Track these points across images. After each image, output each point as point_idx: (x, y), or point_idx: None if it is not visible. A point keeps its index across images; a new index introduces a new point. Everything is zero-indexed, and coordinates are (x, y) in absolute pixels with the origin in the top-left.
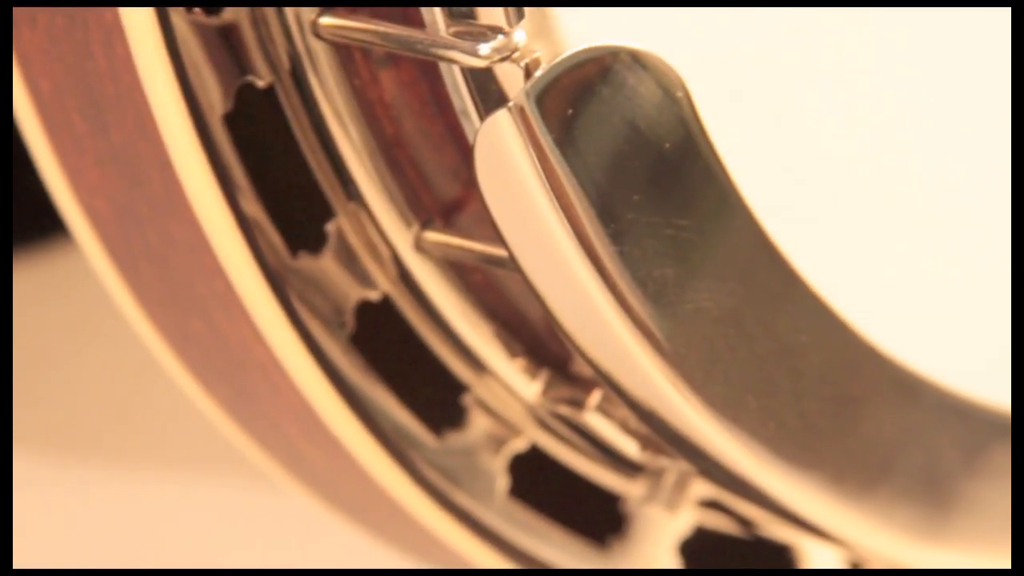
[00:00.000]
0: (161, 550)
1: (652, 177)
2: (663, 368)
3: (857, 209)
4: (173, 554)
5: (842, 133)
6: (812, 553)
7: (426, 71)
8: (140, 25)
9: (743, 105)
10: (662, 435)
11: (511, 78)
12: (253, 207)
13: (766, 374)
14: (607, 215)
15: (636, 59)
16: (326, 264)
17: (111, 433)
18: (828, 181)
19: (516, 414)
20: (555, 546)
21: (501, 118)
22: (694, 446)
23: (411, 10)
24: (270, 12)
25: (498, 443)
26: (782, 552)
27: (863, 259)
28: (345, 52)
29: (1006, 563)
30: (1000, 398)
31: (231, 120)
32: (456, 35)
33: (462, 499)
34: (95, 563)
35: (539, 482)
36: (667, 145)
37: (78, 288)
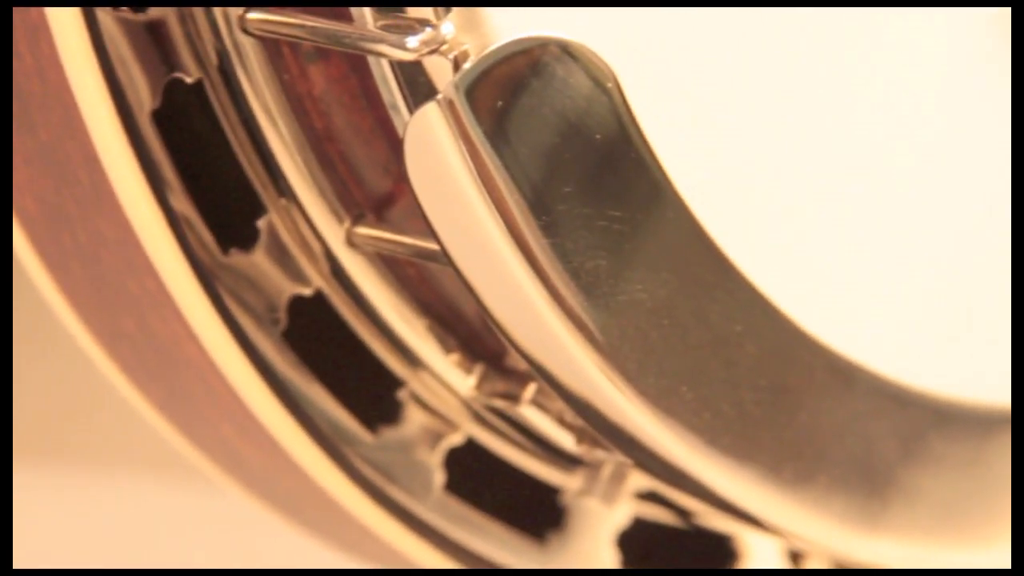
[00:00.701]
0: (143, 550)
1: (584, 169)
2: (597, 360)
3: (789, 200)
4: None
5: (776, 125)
6: (752, 543)
7: (355, 65)
8: (66, 23)
9: (674, 99)
10: (597, 428)
11: (441, 71)
12: (183, 204)
13: (700, 364)
14: (539, 207)
15: (566, 50)
16: (258, 260)
17: (80, 433)
18: (762, 175)
19: (452, 408)
20: (493, 540)
21: (430, 111)
22: (629, 438)
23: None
24: (197, 8)
25: (434, 438)
26: (722, 542)
27: (798, 249)
28: (273, 47)
29: (941, 554)
30: (938, 385)
31: (160, 117)
32: (384, 28)
33: (398, 495)
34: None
35: (476, 476)
36: (598, 136)
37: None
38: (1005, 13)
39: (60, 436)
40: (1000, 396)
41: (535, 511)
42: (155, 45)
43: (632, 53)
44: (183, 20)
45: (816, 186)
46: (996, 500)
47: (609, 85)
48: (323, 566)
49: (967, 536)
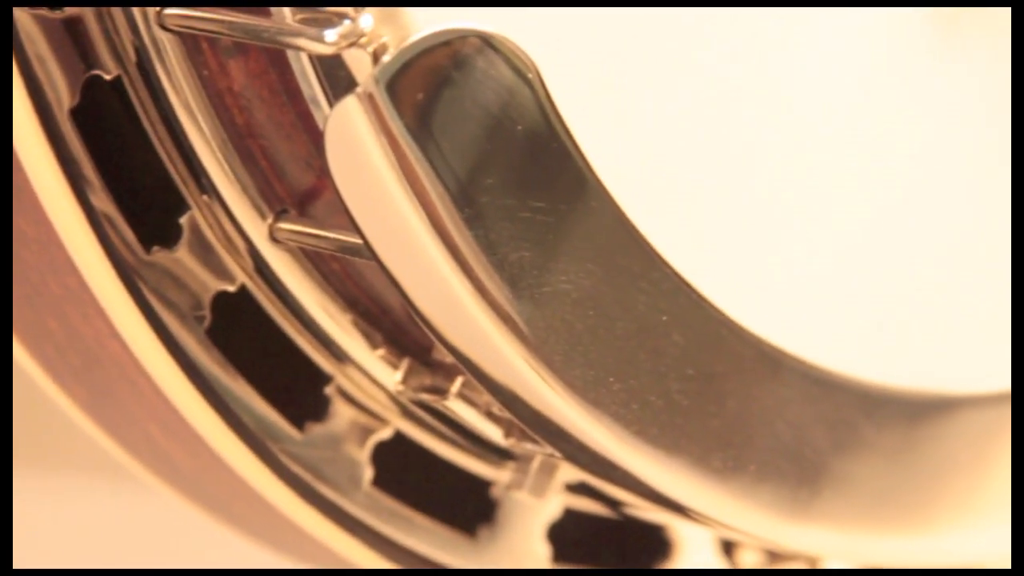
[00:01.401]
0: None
1: (506, 160)
2: (522, 353)
3: (714, 189)
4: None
5: (699, 115)
6: (686, 533)
7: (275, 60)
8: None
9: (600, 92)
10: (524, 421)
11: (361, 65)
12: (104, 202)
13: (627, 355)
14: (461, 199)
15: (486, 42)
16: (181, 257)
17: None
18: (687, 165)
19: (379, 403)
20: (423, 535)
21: (349, 105)
22: (557, 431)
23: None
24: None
25: (362, 433)
26: (655, 532)
27: (724, 238)
28: (192, 43)
29: (873, 541)
30: (866, 372)
31: (79, 114)
32: (302, 22)
33: (327, 491)
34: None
35: (405, 471)
36: (520, 127)
37: None
38: (941, 12)
39: (61, 435)
40: (927, 381)
41: (466, 505)
42: (73, 43)
43: (555, 46)
44: (101, 17)
45: (740, 175)
46: (928, 486)
47: (530, 76)
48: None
49: (899, 523)
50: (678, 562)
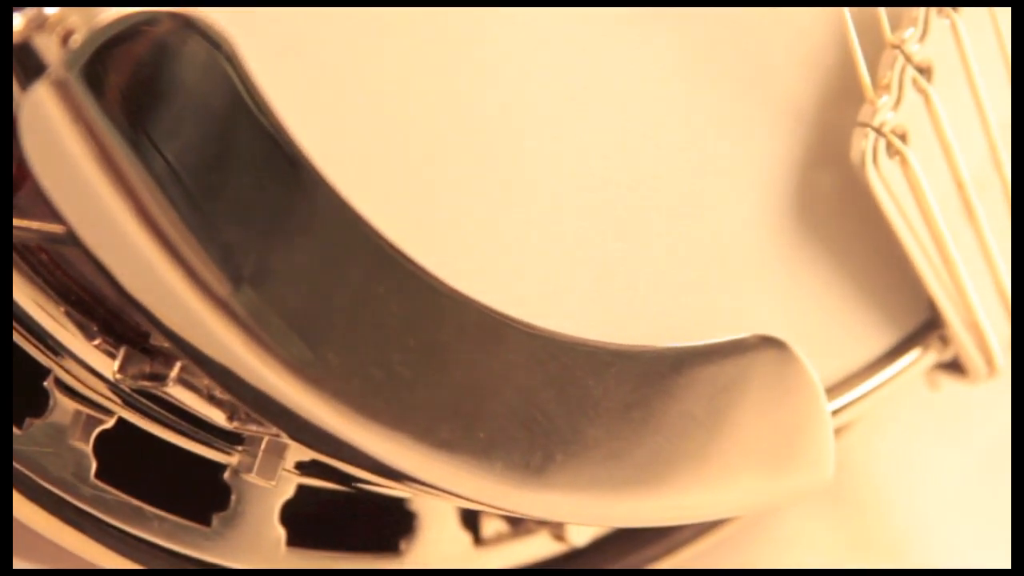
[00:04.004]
0: None
1: (207, 139)
2: (237, 332)
3: (436, 162)
4: None
5: (405, 88)
6: (427, 505)
7: None
8: None
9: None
10: (246, 402)
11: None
12: None
13: (345, 329)
14: (164, 181)
15: (178, 20)
16: None
17: None
18: (396, 135)
19: (100, 394)
20: (156, 525)
21: (40, 91)
22: (278, 410)
23: None
24: None
25: (85, 425)
26: (396, 505)
27: (446, 207)
28: None
29: (610, 504)
30: (593, 333)
31: None
32: None
33: (51, 486)
34: None
35: (132, 461)
36: (217, 105)
37: None
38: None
39: None
40: (655, 338)
41: (197, 492)
42: None
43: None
44: None
45: (453, 143)
46: (663, 444)
47: (225, 52)
48: None
49: (635, 483)
50: (421, 534)
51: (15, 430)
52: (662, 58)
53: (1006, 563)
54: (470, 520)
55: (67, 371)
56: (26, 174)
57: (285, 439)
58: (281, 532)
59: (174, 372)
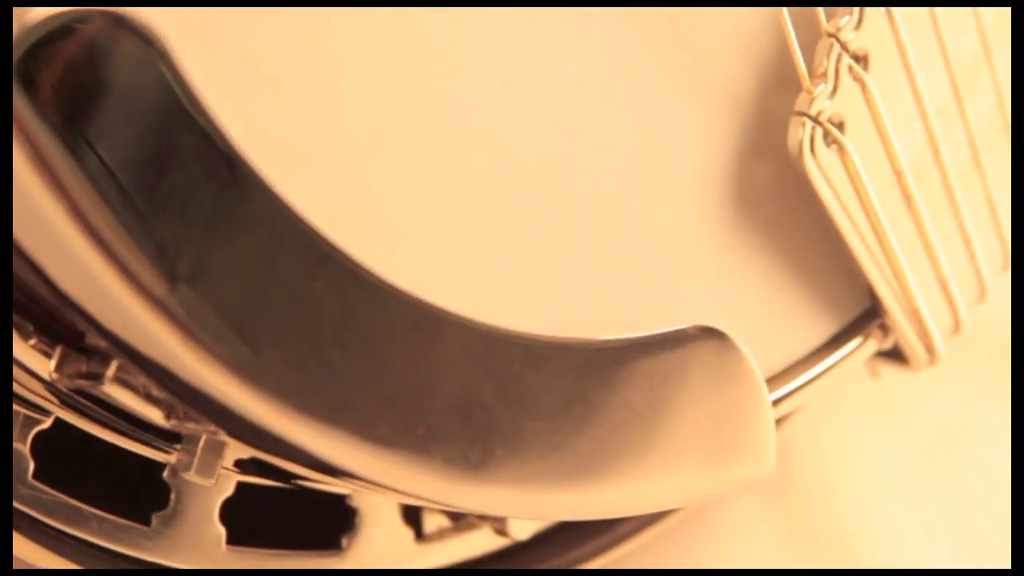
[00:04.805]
0: None
1: (140, 136)
2: (173, 331)
3: (361, 155)
4: None
5: (342, 84)
6: (368, 501)
7: None
8: None
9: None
10: (183, 399)
11: None
12: None
13: (282, 325)
14: (97, 179)
15: (110, 19)
16: None
17: None
18: (334, 131)
19: (37, 394)
20: (95, 526)
21: None
22: (215, 407)
23: None
24: None
25: (22, 425)
26: (337, 502)
27: (383, 200)
28: None
29: (552, 498)
30: (526, 325)
31: None
32: None
33: None
34: None
35: (70, 461)
36: (151, 103)
37: None
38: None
39: None
40: (589, 332)
41: (135, 491)
42: None
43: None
44: None
45: (394, 136)
46: (603, 436)
47: (158, 50)
48: None
49: (576, 476)
50: (363, 531)
51: None
52: (598, 49)
53: (952, 550)
54: (412, 516)
55: None
56: None
57: (223, 437)
58: (221, 530)
59: (111, 371)
